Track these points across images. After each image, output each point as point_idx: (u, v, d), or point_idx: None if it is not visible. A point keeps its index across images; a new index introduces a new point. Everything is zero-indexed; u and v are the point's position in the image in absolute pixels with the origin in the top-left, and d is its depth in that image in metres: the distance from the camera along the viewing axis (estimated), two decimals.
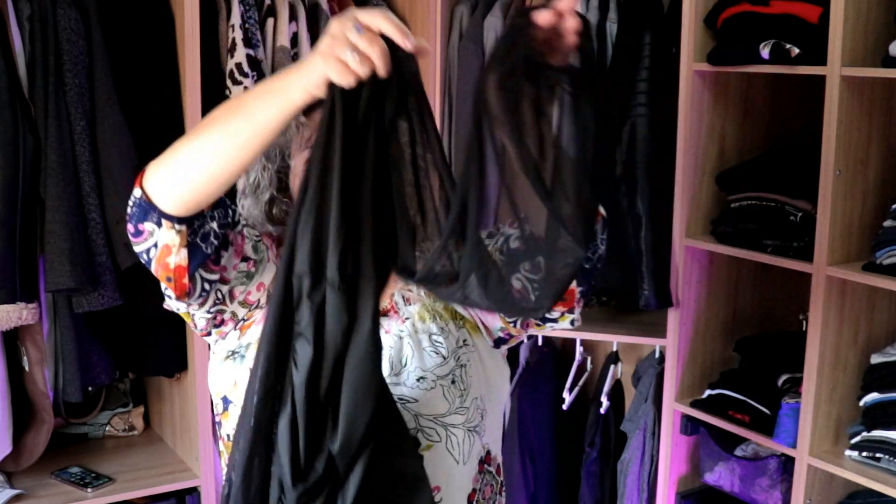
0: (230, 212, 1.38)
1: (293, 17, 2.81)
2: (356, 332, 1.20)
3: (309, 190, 1.17)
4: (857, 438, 2.46)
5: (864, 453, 2.42)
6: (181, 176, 1.26)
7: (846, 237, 2.43)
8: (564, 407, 3.07)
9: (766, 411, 2.63)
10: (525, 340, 3.15)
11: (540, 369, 3.15)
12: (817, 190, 2.40)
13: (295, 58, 2.82)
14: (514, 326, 1.52)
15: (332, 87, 1.15)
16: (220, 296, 1.42)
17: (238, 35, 2.66)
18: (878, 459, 2.39)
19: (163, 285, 1.38)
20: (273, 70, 2.77)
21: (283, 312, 1.19)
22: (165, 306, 1.45)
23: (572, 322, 1.48)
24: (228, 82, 2.67)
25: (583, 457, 3.07)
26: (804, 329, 2.62)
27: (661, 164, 2.77)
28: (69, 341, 2.56)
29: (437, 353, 1.47)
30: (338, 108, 1.15)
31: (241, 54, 2.66)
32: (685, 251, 2.76)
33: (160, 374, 2.81)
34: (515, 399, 3.08)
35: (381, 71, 1.14)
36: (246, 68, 2.66)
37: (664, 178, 2.76)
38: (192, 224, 1.31)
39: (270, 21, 2.77)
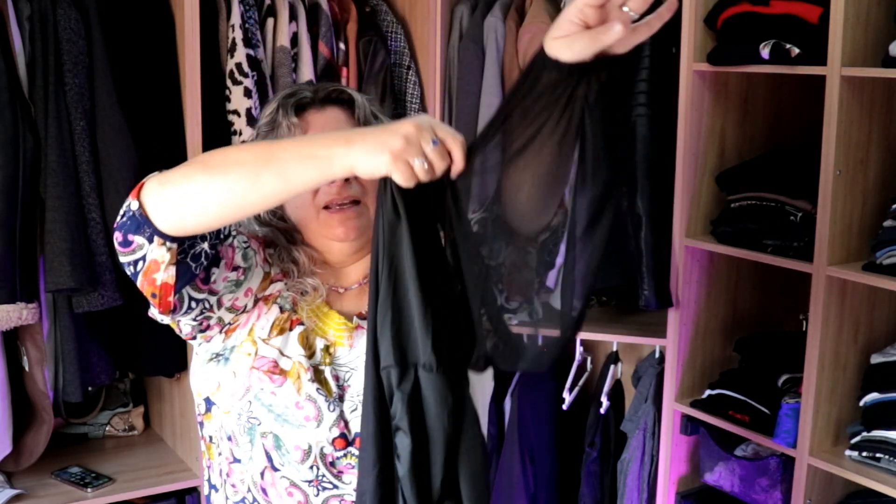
0: (222, 228, 1.34)
1: (293, 17, 2.81)
2: (466, 418, 1.22)
3: (381, 284, 1.19)
4: (857, 438, 2.46)
5: (864, 453, 2.42)
6: (191, 205, 1.22)
7: (846, 237, 2.43)
8: (564, 407, 3.07)
9: (766, 411, 2.63)
10: None
11: None
12: (817, 190, 2.40)
13: (295, 58, 2.82)
14: None
15: (389, 182, 1.17)
16: (207, 305, 1.39)
17: (238, 35, 2.66)
18: (878, 459, 2.39)
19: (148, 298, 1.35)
20: (273, 70, 2.77)
21: (380, 409, 1.21)
22: (150, 314, 1.42)
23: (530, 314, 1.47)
24: (228, 82, 2.67)
25: (583, 457, 3.07)
26: (804, 329, 2.62)
27: (661, 164, 2.77)
28: (69, 341, 2.56)
29: None
30: (399, 200, 1.17)
31: (241, 54, 2.66)
32: (685, 251, 2.76)
33: (160, 374, 2.81)
34: (515, 399, 3.08)
35: (435, 178, 1.17)
36: (246, 68, 2.66)
37: (664, 178, 2.76)
38: (182, 243, 1.28)
39: (270, 21, 2.77)
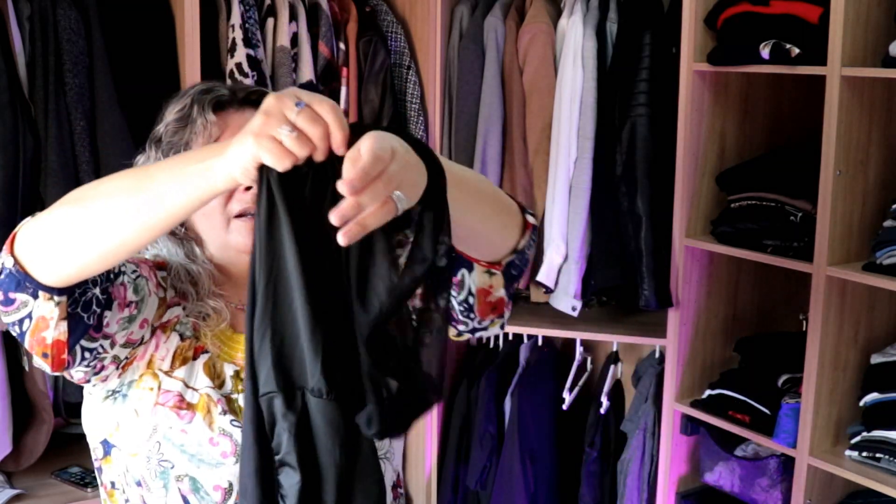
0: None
1: (293, 17, 2.81)
2: (362, 449, 1.06)
3: (258, 296, 1.01)
4: (857, 438, 2.46)
5: (864, 453, 2.42)
6: (67, 250, 1.10)
7: (846, 237, 2.43)
8: (564, 407, 3.07)
9: (766, 411, 2.63)
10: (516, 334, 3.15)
11: (540, 369, 3.15)
12: (817, 190, 2.40)
13: (295, 58, 2.81)
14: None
15: (265, 172, 0.99)
16: (101, 349, 1.26)
17: (238, 35, 2.66)
18: (878, 459, 2.39)
19: (35, 359, 1.21)
20: (273, 70, 2.77)
21: (262, 444, 1.04)
22: (36, 364, 1.26)
23: (502, 326, 1.38)
24: (228, 82, 2.67)
25: (583, 457, 3.07)
26: (804, 329, 2.62)
27: (661, 164, 2.77)
28: None
29: None
30: (278, 192, 0.99)
31: (241, 54, 2.66)
32: (685, 251, 2.76)
33: None
34: (515, 399, 3.08)
35: (321, 155, 0.98)
36: (246, 68, 2.66)
37: (664, 178, 2.76)
38: (72, 294, 1.15)
39: (270, 21, 2.77)
